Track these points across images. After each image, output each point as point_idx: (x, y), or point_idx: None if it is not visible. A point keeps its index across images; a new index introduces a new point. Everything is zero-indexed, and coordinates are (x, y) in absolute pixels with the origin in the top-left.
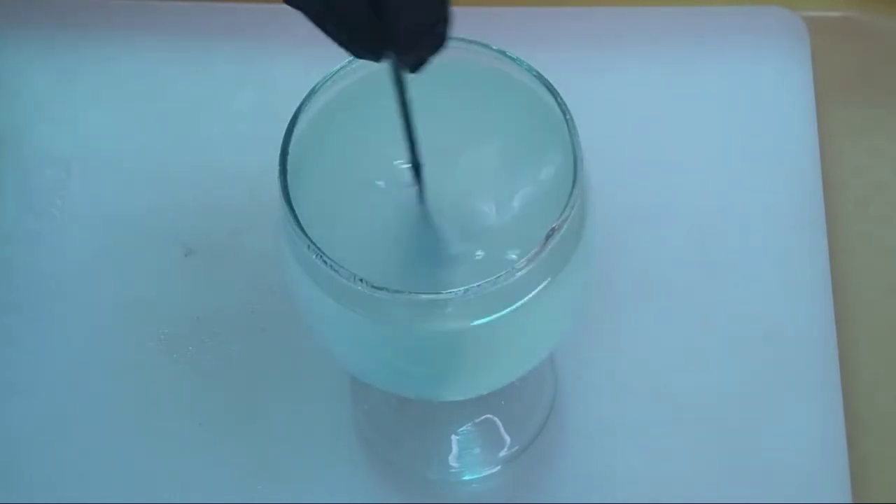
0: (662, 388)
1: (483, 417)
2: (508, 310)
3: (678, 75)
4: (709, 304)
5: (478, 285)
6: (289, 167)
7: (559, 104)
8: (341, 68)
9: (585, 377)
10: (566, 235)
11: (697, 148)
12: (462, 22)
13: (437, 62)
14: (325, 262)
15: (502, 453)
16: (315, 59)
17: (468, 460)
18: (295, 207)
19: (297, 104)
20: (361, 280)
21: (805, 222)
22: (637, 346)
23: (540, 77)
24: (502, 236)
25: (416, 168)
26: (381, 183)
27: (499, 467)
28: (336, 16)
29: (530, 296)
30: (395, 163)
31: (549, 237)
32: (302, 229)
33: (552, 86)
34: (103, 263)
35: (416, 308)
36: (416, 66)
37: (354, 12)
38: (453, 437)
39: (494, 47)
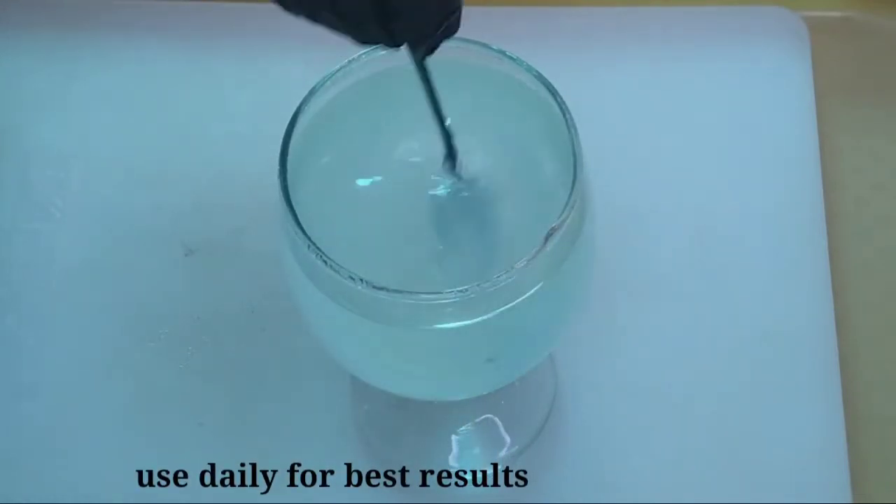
0: (662, 388)
1: (483, 417)
2: (508, 310)
3: (678, 75)
4: (709, 303)
5: (478, 285)
6: (289, 167)
7: (559, 104)
8: (341, 68)
9: (585, 377)
10: (566, 235)
11: (697, 148)
12: (462, 22)
13: (437, 63)
14: (325, 262)
15: (502, 453)
16: (315, 59)
17: (468, 460)
18: (295, 207)
19: (297, 104)
20: (361, 280)
21: (805, 222)
22: (637, 346)
23: (540, 77)
24: (502, 236)
25: (450, 149)
26: (380, 182)
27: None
28: (347, 26)
29: (530, 296)
30: (395, 162)
31: (548, 237)
32: (302, 229)
33: (552, 86)
34: (103, 263)
35: (416, 308)
36: (429, 53)
37: (358, 12)
38: (453, 437)
39: (494, 47)
